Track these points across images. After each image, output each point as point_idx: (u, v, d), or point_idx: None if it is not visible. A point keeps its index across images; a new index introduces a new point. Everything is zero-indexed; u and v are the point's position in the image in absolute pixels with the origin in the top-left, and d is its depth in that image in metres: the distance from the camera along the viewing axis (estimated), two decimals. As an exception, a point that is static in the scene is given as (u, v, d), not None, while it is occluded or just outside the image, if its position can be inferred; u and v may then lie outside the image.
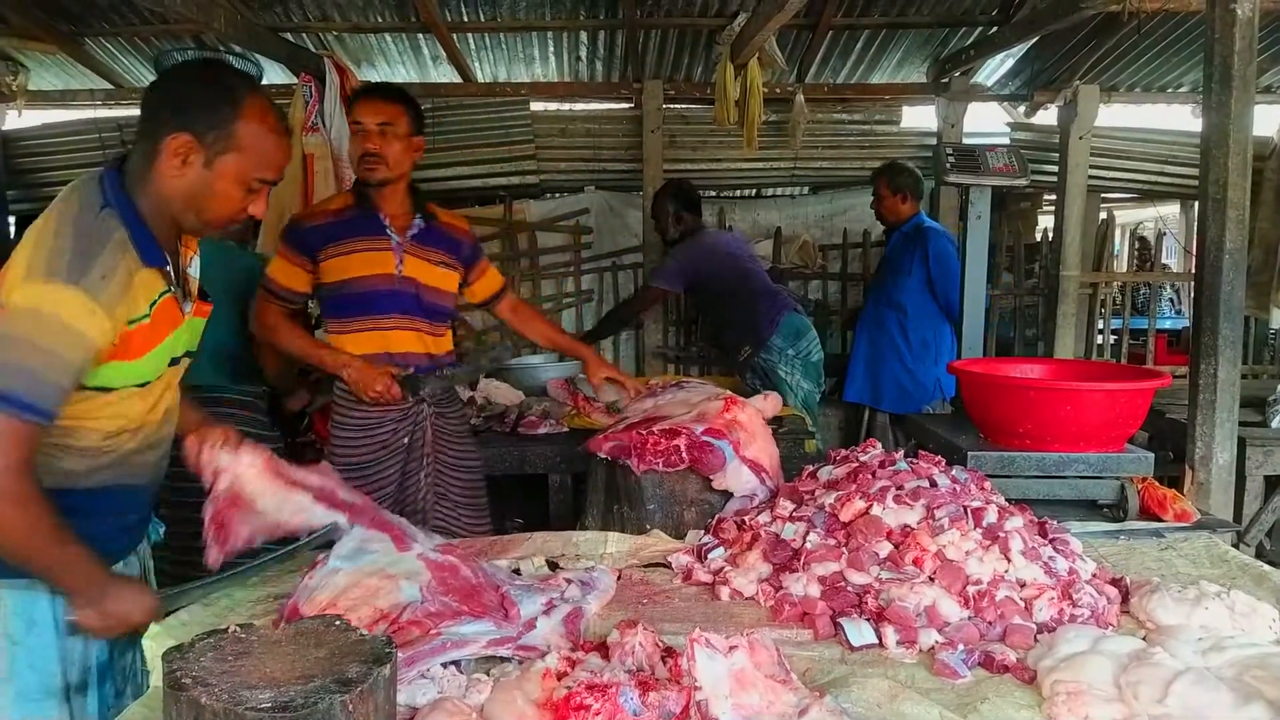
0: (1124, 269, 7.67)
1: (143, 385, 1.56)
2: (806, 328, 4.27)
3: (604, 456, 2.32)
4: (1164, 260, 6.54)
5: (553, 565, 1.90)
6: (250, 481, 1.66)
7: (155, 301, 1.54)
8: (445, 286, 2.68)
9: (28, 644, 1.51)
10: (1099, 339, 5.75)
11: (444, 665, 1.39)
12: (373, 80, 5.09)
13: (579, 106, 5.70)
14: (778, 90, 5.13)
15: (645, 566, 1.97)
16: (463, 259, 2.74)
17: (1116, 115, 5.81)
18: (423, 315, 2.62)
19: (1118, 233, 7.73)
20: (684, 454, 2.18)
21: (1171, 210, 9.84)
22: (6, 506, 1.38)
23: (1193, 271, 2.89)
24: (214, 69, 1.68)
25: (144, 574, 1.78)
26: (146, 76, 5.35)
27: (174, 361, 1.63)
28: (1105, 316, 5.79)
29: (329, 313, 2.63)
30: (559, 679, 1.30)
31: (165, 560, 2.09)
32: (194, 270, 1.68)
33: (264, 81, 5.25)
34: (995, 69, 5.53)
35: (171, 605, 1.60)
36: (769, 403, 2.72)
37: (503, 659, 1.47)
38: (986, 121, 6.25)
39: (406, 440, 2.63)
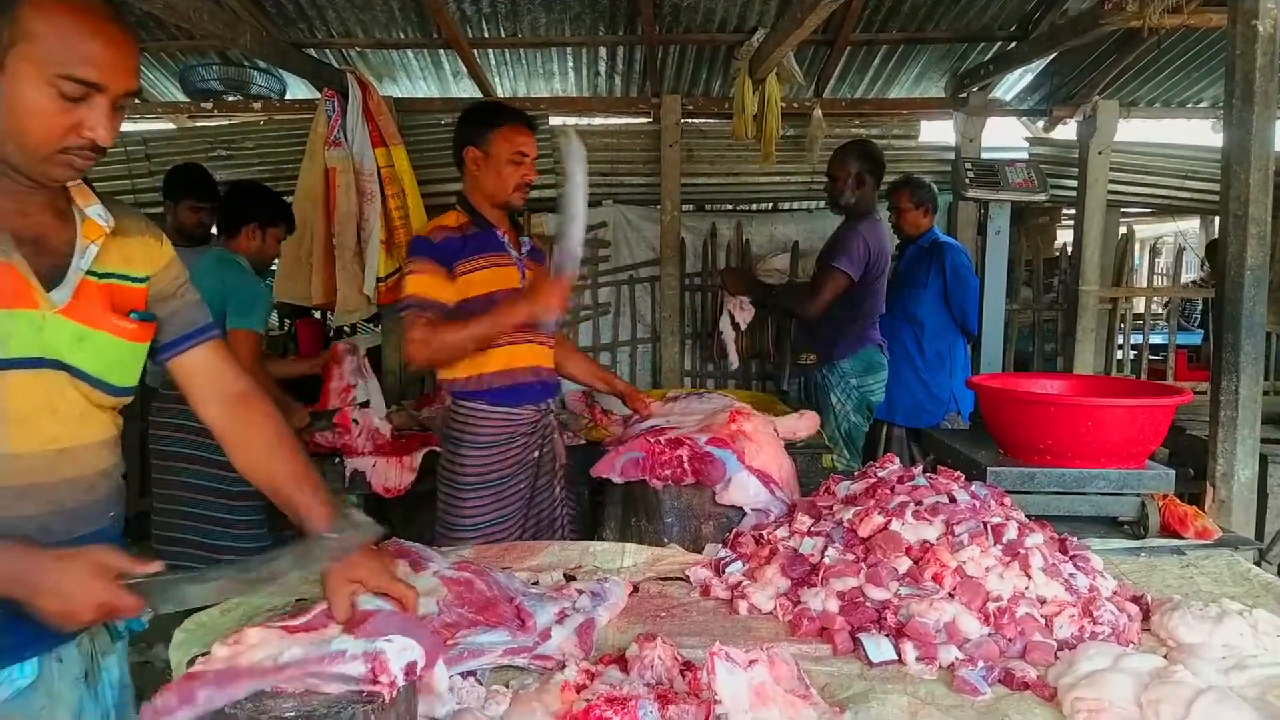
0: (1144, 284, 7.61)
1: None
2: (880, 366, 4.05)
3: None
4: (1184, 275, 6.52)
5: (569, 577, 1.91)
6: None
7: None
8: None
9: None
10: (1119, 354, 5.72)
11: (463, 676, 1.40)
12: (403, 96, 5.16)
13: (598, 121, 5.73)
14: (795, 105, 5.15)
15: (663, 580, 1.96)
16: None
17: (1136, 130, 5.80)
18: (540, 330, 2.63)
19: (1137, 247, 7.70)
20: (686, 465, 2.19)
21: (1192, 225, 9.79)
22: None
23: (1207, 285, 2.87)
24: None
25: (90, 675, 1.41)
26: (172, 91, 5.43)
27: (24, 364, 1.24)
28: (1125, 332, 5.75)
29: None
30: (578, 691, 1.31)
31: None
32: (85, 260, 1.32)
33: (287, 96, 5.33)
34: (1014, 84, 5.53)
35: (157, 599, 1.23)
36: (804, 421, 2.70)
37: (520, 670, 1.48)
38: (1005, 136, 6.24)
39: (536, 454, 2.66)
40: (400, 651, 1.12)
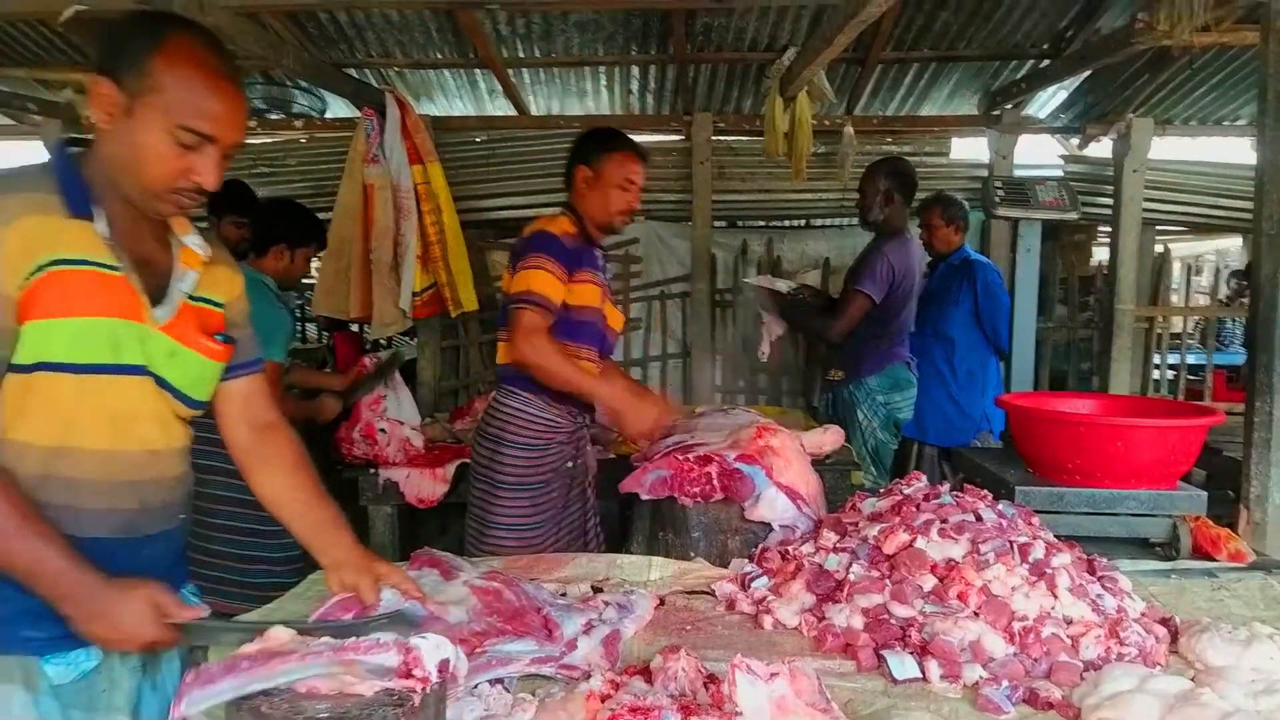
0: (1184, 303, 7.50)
1: (68, 369, 1.32)
2: (909, 384, 4.04)
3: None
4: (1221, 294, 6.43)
5: (597, 589, 1.93)
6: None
7: (84, 261, 1.33)
8: (616, 326, 2.81)
9: None
10: (1155, 374, 5.64)
11: (490, 684, 1.43)
12: (438, 114, 5.26)
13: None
14: (826, 122, 5.17)
15: (689, 593, 1.98)
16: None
17: (1172, 147, 5.74)
18: (601, 351, 2.73)
19: (1176, 266, 7.59)
20: (716, 481, 2.21)
21: (1234, 243, 9.62)
22: None
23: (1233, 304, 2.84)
24: (145, 13, 1.49)
25: (148, 665, 1.52)
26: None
27: (129, 370, 1.39)
28: (1161, 351, 5.68)
29: (558, 334, 2.59)
30: (602, 701, 1.33)
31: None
32: (186, 284, 1.48)
33: (328, 115, 5.45)
34: (1048, 101, 5.50)
35: (195, 639, 1.38)
36: (828, 436, 2.72)
37: (547, 679, 1.50)
38: (1039, 153, 6.20)
39: (570, 464, 2.72)
40: (434, 648, 1.15)
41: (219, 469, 3.10)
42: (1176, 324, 6.22)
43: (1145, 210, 5.03)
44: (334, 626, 1.38)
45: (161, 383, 1.43)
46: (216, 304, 1.55)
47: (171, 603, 1.34)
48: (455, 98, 5.52)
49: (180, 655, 1.59)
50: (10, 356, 1.31)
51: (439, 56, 4.95)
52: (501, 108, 5.54)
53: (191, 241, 1.49)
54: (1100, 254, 6.53)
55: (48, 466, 1.35)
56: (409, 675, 1.13)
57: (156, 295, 1.42)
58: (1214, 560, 2.23)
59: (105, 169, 1.38)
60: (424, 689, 1.12)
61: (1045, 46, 4.77)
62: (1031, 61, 4.96)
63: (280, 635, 1.21)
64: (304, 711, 1.08)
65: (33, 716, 1.35)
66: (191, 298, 1.48)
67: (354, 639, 1.16)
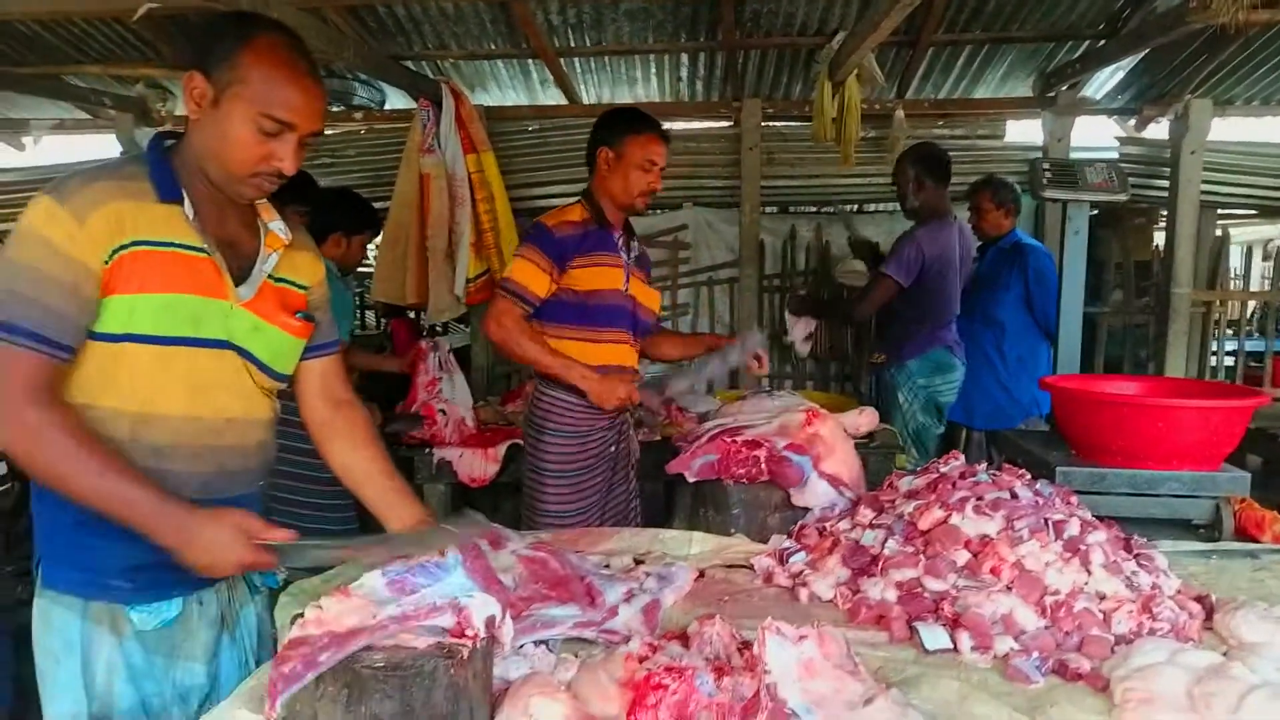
0: (1250, 288, 7.29)
1: (152, 341, 1.44)
2: (951, 367, 4.04)
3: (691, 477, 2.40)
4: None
5: (638, 561, 2.01)
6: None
7: (168, 244, 1.45)
8: (652, 305, 2.87)
9: (66, 666, 1.49)
10: (1213, 359, 5.52)
11: (535, 645, 1.51)
12: (480, 104, 5.36)
13: (679, 125, 5.81)
14: (877, 106, 5.14)
15: (728, 567, 2.04)
16: (652, 280, 2.96)
17: (1233, 128, 5.60)
18: (634, 331, 2.80)
19: (1245, 250, 7.36)
20: (763, 465, 2.26)
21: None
22: (24, 442, 1.35)
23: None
24: (235, 14, 1.60)
25: (224, 624, 1.64)
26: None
27: (210, 344, 1.50)
28: (1219, 337, 5.55)
29: (563, 319, 2.70)
30: (640, 662, 1.40)
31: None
32: (268, 265, 1.60)
33: (386, 106, 5.58)
34: (1105, 82, 5.40)
35: (287, 560, 1.47)
36: (864, 418, 2.77)
37: (588, 643, 1.58)
38: (1096, 135, 6.08)
39: (613, 449, 2.80)
40: (481, 606, 1.24)
41: (287, 447, 3.25)
42: (1237, 308, 6.08)
43: (1205, 193, 4.91)
44: (406, 539, 1.48)
45: (245, 355, 1.55)
46: (300, 286, 1.67)
47: (259, 526, 1.42)
48: (508, 88, 5.62)
49: (257, 614, 1.72)
50: (92, 325, 1.41)
51: (492, 47, 5.04)
52: (553, 97, 5.62)
53: (275, 227, 1.62)
54: (1161, 238, 6.39)
55: (135, 431, 1.47)
56: (462, 635, 1.21)
57: (241, 275, 1.54)
58: (1258, 542, 2.22)
59: (194, 156, 1.50)
60: (475, 644, 1.21)
61: (1101, 26, 4.69)
62: (1087, 42, 4.87)
63: (364, 583, 1.29)
64: (361, 661, 1.18)
65: (118, 657, 1.50)
66: (274, 278, 1.60)
67: (415, 596, 1.25)
